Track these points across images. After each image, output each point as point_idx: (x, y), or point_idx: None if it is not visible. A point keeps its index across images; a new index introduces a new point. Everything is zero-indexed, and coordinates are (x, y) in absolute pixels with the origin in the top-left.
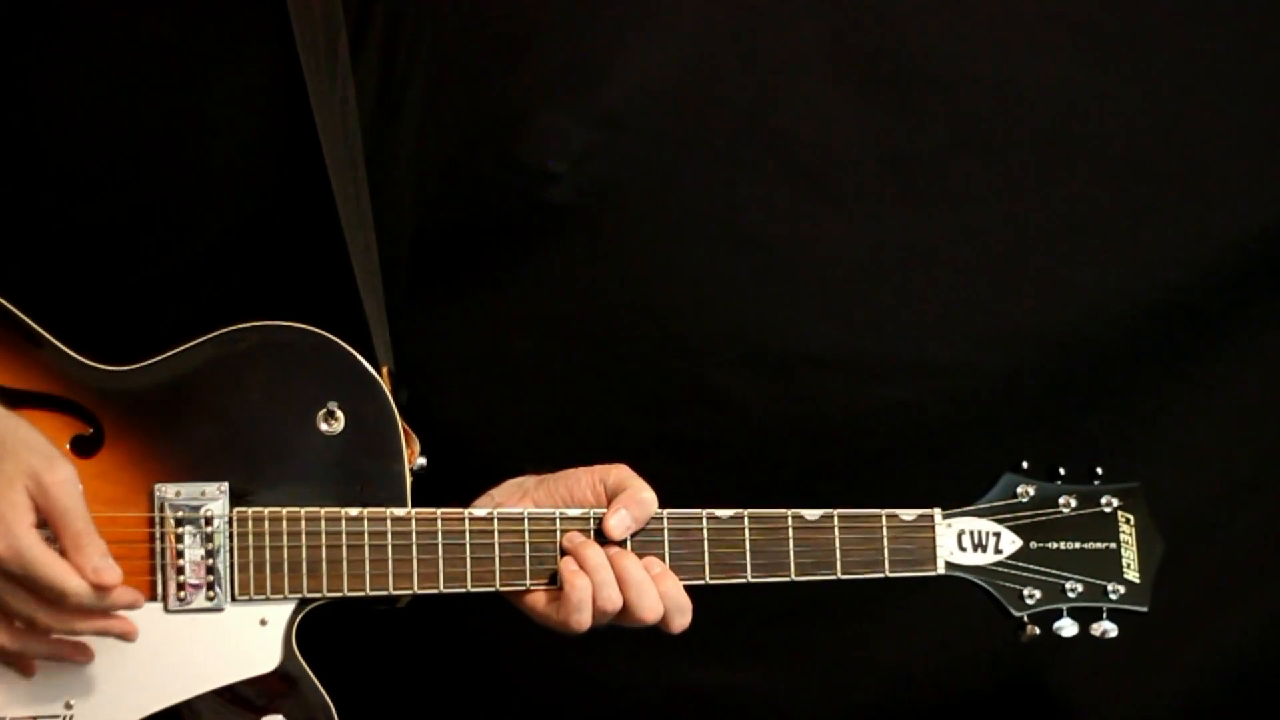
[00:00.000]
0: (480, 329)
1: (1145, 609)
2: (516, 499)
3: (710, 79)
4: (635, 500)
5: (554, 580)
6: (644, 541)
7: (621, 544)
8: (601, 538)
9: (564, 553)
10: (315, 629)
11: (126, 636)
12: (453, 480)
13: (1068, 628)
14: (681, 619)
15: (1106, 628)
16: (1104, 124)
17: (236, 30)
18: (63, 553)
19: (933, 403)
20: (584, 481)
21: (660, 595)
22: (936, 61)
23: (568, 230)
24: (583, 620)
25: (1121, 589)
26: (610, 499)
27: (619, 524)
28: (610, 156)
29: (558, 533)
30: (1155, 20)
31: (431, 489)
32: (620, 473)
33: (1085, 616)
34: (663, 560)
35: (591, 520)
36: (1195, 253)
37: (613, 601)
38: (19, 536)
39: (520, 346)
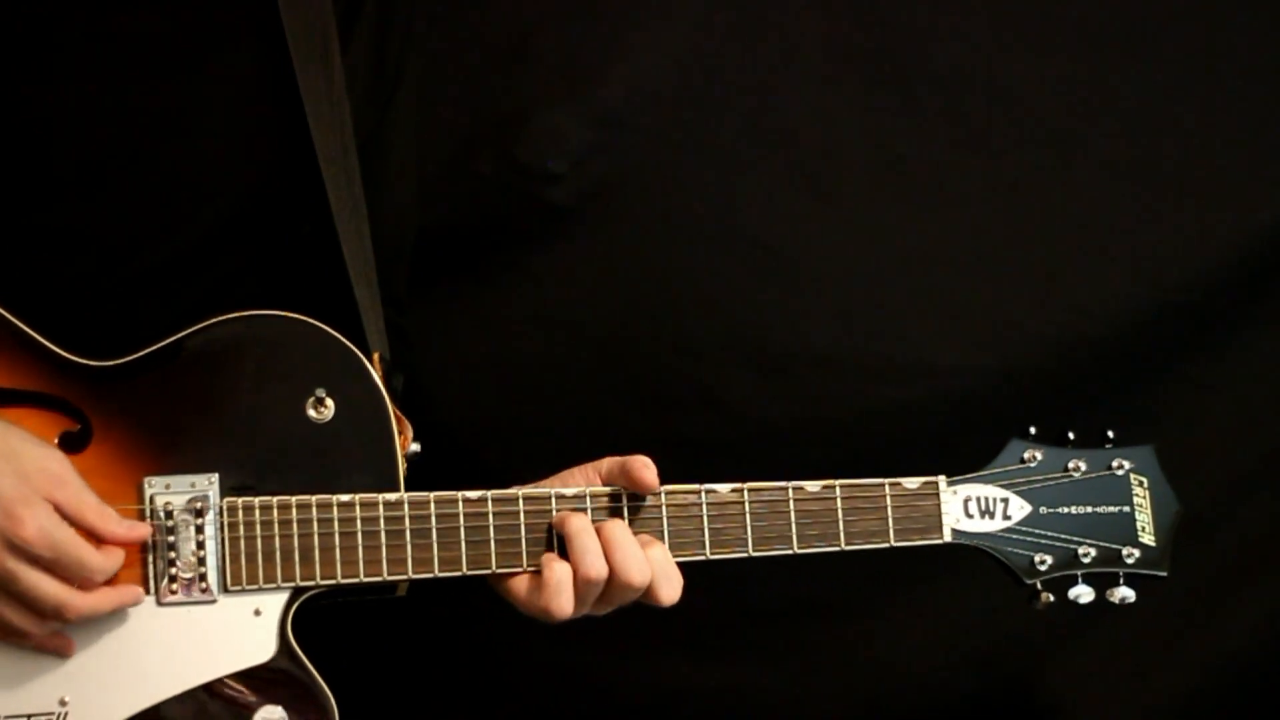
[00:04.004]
0: (480, 329)
1: (1165, 574)
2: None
3: (710, 79)
4: (637, 462)
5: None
6: (641, 519)
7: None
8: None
9: (556, 536)
10: (315, 619)
11: (137, 599)
12: (454, 481)
13: (1085, 594)
14: (669, 587)
15: (1125, 594)
16: (1104, 124)
17: (225, 22)
18: (84, 531)
19: (933, 403)
20: (579, 476)
21: (648, 559)
22: (936, 61)
23: (568, 230)
24: (563, 605)
25: (1137, 553)
26: (606, 484)
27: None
28: (610, 156)
29: (553, 512)
30: (1155, 20)
31: (432, 489)
32: (610, 459)
33: (1101, 582)
34: (661, 537)
35: (588, 499)
36: (1195, 253)
37: (596, 569)
38: (46, 522)
39: (521, 347)
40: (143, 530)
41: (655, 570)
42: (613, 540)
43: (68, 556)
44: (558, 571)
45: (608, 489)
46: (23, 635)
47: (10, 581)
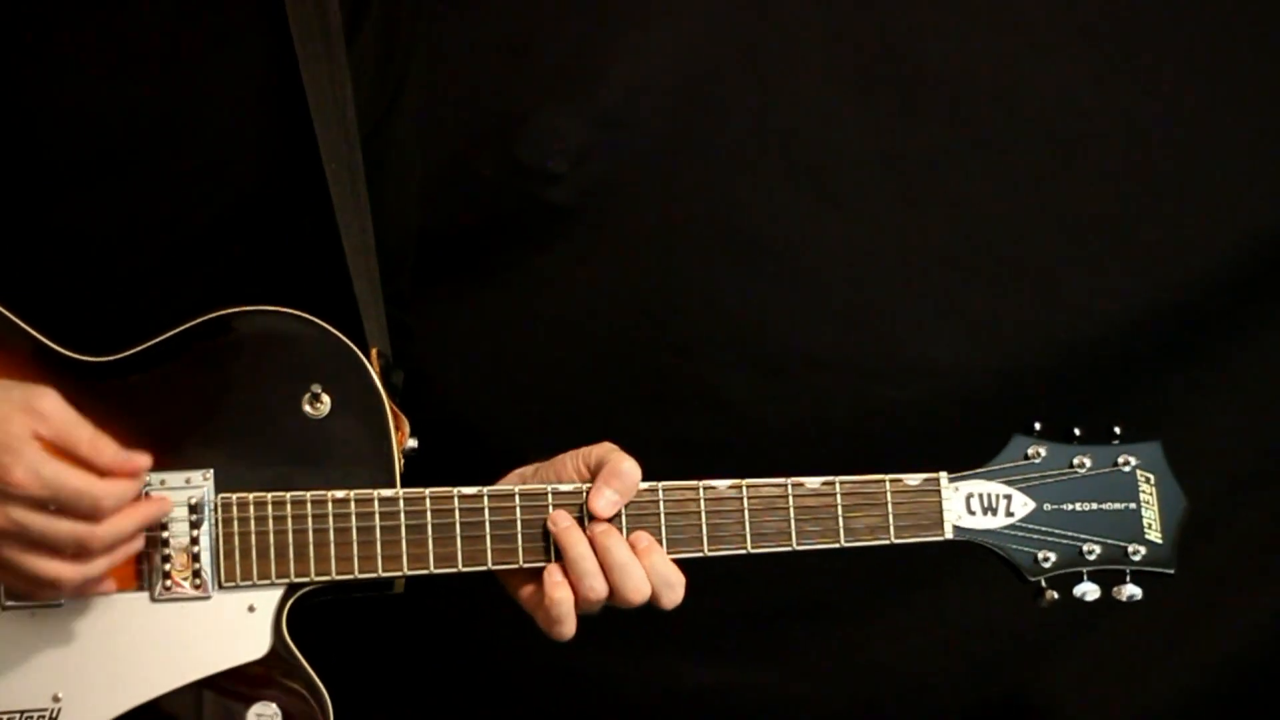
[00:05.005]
0: (481, 329)
1: (1171, 571)
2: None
3: (710, 79)
4: (616, 474)
5: (547, 557)
6: (638, 515)
7: (613, 519)
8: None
9: (549, 533)
10: (310, 615)
11: (165, 512)
12: (453, 479)
13: (1090, 592)
14: (671, 594)
15: (1132, 591)
16: (1104, 125)
17: (231, 18)
18: (80, 463)
19: (933, 403)
20: (569, 465)
21: (646, 571)
22: (936, 61)
23: (568, 230)
24: (564, 632)
25: (1143, 550)
26: (594, 478)
27: (604, 504)
28: (610, 156)
29: (549, 508)
30: (1155, 21)
31: (431, 487)
32: (601, 450)
33: (1107, 579)
34: (659, 534)
35: (584, 494)
36: (1195, 253)
37: (596, 591)
38: (34, 462)
39: (520, 346)
40: (140, 461)
41: (655, 581)
42: (611, 562)
43: (65, 489)
44: (560, 604)
45: None
46: (57, 586)
47: (21, 531)
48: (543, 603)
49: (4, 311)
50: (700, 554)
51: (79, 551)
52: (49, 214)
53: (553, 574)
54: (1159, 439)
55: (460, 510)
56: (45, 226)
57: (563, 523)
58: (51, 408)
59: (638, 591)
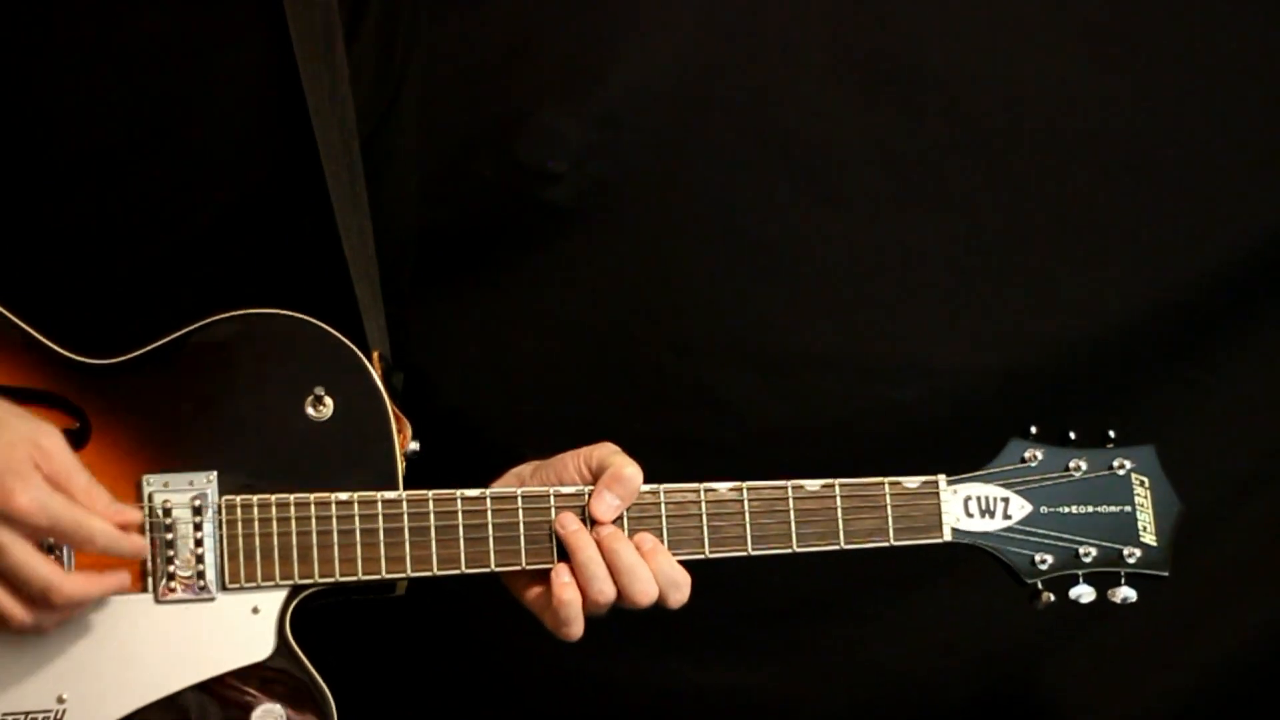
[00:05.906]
0: (480, 330)
1: (1166, 573)
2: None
3: (710, 79)
4: (618, 479)
5: (550, 559)
6: (640, 518)
7: (615, 521)
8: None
9: (555, 536)
10: (313, 617)
11: (123, 585)
12: (454, 480)
13: (1086, 594)
14: (677, 594)
15: (1126, 594)
16: (1104, 125)
17: (231, 18)
18: None
19: (933, 403)
20: (570, 466)
21: (653, 573)
22: (936, 61)
23: (567, 230)
24: (573, 633)
25: (1138, 553)
26: (595, 480)
27: (606, 508)
28: (610, 156)
29: (552, 510)
30: (1156, 20)
31: (432, 488)
32: (602, 451)
33: (1103, 582)
34: (660, 535)
35: (586, 497)
36: (1195, 253)
37: (605, 594)
38: (40, 490)
39: (520, 347)
40: (131, 515)
41: (662, 582)
42: (619, 565)
43: (65, 521)
44: (568, 604)
45: None
46: (6, 621)
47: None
48: (550, 604)
49: (4, 312)
50: (701, 556)
51: (40, 598)
52: (49, 214)
53: (560, 574)
54: (1153, 443)
55: (463, 512)
56: (45, 226)
57: (571, 525)
58: (55, 447)
59: (645, 594)
